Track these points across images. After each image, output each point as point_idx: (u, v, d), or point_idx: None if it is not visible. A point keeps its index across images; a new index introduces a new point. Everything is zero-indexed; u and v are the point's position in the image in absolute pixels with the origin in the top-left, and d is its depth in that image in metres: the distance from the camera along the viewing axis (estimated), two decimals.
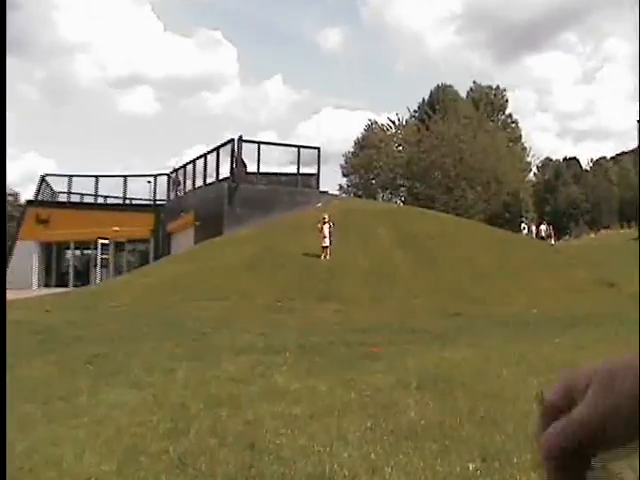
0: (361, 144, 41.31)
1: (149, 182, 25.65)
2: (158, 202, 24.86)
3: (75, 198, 25.25)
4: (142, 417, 3.45)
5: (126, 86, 79.18)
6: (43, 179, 25.31)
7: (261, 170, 18.75)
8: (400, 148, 40.14)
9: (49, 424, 3.32)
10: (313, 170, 19.75)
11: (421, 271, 12.44)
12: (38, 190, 25.46)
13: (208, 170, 19.97)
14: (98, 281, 19.80)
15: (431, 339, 6.52)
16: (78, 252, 26.25)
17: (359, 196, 37.24)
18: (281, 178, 19.87)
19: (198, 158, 21.23)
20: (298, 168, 19.31)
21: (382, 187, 40.08)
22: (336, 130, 69.57)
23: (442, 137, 35.62)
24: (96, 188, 24.92)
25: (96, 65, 75.98)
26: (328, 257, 12.55)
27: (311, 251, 12.85)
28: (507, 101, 44.51)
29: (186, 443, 2.98)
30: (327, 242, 12.59)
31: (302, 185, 18.99)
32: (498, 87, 44.09)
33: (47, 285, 22.55)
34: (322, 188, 19.69)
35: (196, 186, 21.05)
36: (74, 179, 25.09)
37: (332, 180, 46.21)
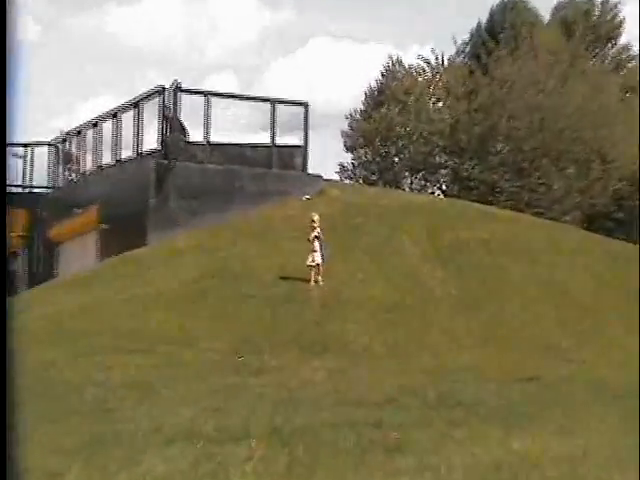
0: (376, 98, 41.46)
1: (19, 156, 25.62)
2: (35, 190, 24.96)
3: None
4: None
5: None
6: None
7: (212, 139, 18.83)
8: (440, 104, 40.32)
9: None
10: (297, 140, 20.01)
11: (472, 306, 12.72)
12: None
13: (122, 138, 20.03)
14: None
15: (489, 418, 6.61)
16: None
17: (372, 183, 37.51)
18: (245, 153, 19.97)
19: (104, 118, 21.32)
20: (273, 137, 19.41)
21: (410, 168, 40.00)
22: (334, 75, 69.76)
23: (510, 85, 35.68)
24: None
25: None
26: (321, 282, 13.10)
27: (293, 272, 13.26)
28: (622, 23, 44.87)
29: None
30: (319, 258, 13.21)
31: (279, 164, 19.23)
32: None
33: None
34: (311, 169, 19.89)
35: (102, 164, 21.22)
36: None
37: (328, 156, 46.42)
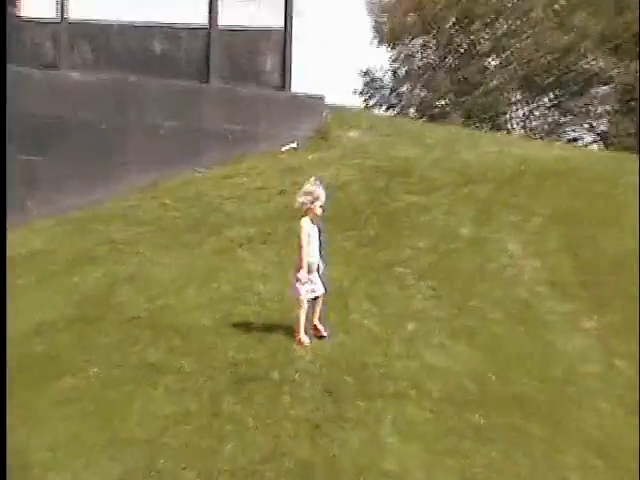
0: None
1: None
2: None
3: None
4: None
5: None
6: None
7: (76, 16, 13.52)
8: None
9: None
10: (267, 20, 14.89)
11: None
12: None
13: None
14: None
15: None
16: None
17: (434, 115, 26.59)
18: (152, 46, 14.14)
19: None
20: (212, 9, 14.09)
21: (523, 85, 27.12)
22: None
23: None
24: None
25: None
26: (324, 331, 8.27)
27: (258, 315, 8.58)
28: None
29: None
30: (318, 286, 7.94)
31: (228, 71, 14.48)
32: None
33: None
34: (301, 84, 15.25)
35: None
36: None
37: (338, 56, 37.21)
